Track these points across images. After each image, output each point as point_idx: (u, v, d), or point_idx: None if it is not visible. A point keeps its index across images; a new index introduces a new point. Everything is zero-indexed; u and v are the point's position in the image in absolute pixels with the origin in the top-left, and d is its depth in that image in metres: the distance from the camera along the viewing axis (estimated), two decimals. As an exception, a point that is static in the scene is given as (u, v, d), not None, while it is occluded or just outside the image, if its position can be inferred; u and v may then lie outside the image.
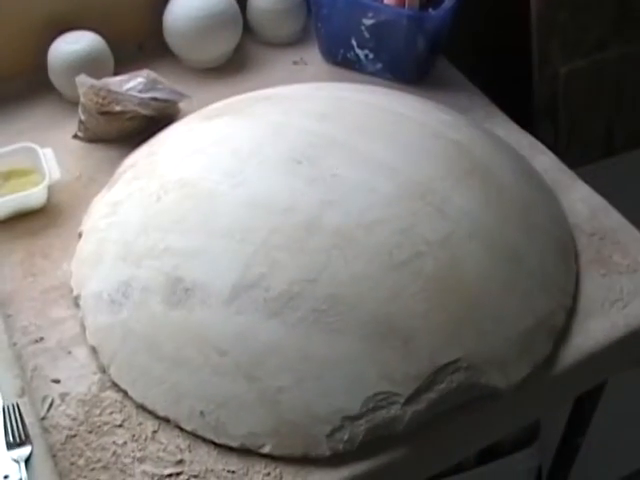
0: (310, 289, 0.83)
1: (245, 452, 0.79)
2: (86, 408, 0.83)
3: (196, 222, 0.90)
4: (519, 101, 1.34)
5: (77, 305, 0.92)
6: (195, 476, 0.78)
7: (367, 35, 1.22)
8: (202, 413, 0.80)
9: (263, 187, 0.92)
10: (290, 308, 0.82)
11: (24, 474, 0.77)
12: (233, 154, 0.96)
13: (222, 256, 0.87)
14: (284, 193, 0.90)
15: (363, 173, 0.93)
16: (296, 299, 0.83)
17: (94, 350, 0.87)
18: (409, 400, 0.79)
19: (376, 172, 0.93)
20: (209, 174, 0.94)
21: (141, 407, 0.83)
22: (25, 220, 1.02)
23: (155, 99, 1.12)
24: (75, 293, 0.92)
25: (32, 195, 1.01)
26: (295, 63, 1.30)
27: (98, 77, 1.11)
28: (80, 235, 0.99)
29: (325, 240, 0.86)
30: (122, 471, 0.78)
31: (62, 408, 0.83)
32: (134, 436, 0.81)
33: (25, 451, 0.79)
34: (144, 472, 0.78)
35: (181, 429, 0.81)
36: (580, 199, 1.05)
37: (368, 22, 1.20)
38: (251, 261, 0.85)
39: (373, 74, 1.25)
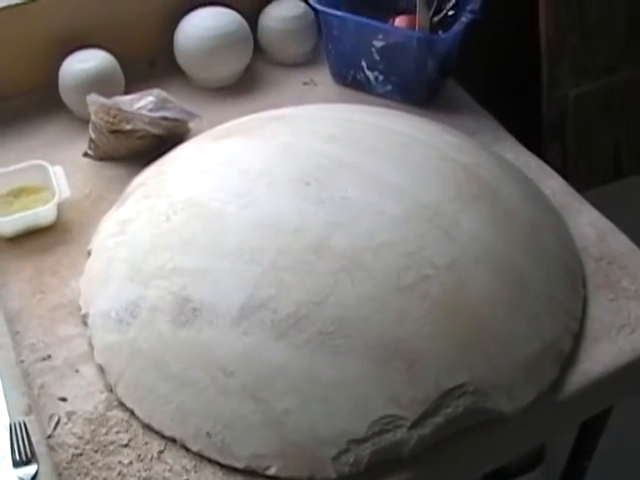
0: (317, 311, 0.83)
1: (250, 473, 0.79)
2: (92, 427, 0.83)
3: (204, 242, 0.91)
4: (528, 123, 1.34)
5: (85, 323, 0.92)
6: (200, 497, 0.78)
7: (377, 57, 1.22)
8: (208, 434, 0.80)
9: (271, 208, 0.92)
10: (297, 330, 0.82)
11: (30, 493, 0.77)
12: (242, 174, 0.97)
13: (230, 277, 0.87)
14: (292, 214, 0.91)
15: (371, 195, 0.93)
16: (303, 321, 0.83)
17: (101, 369, 0.88)
18: (415, 424, 0.79)
19: (384, 194, 0.93)
20: (218, 194, 0.95)
21: (147, 427, 0.83)
22: (34, 237, 1.03)
23: (165, 118, 1.12)
24: (83, 311, 0.93)
25: (42, 213, 1.02)
26: (305, 84, 1.30)
27: (109, 95, 1.12)
28: (89, 253, 0.99)
29: (333, 262, 0.86)
30: (127, 491, 0.79)
31: (68, 426, 0.83)
32: (140, 456, 0.81)
33: (31, 469, 0.78)
34: (149, 492, 0.78)
35: (187, 449, 0.81)
36: (588, 223, 1.05)
37: (378, 44, 1.20)
38: (259, 282, 0.86)
39: (383, 96, 1.26)
